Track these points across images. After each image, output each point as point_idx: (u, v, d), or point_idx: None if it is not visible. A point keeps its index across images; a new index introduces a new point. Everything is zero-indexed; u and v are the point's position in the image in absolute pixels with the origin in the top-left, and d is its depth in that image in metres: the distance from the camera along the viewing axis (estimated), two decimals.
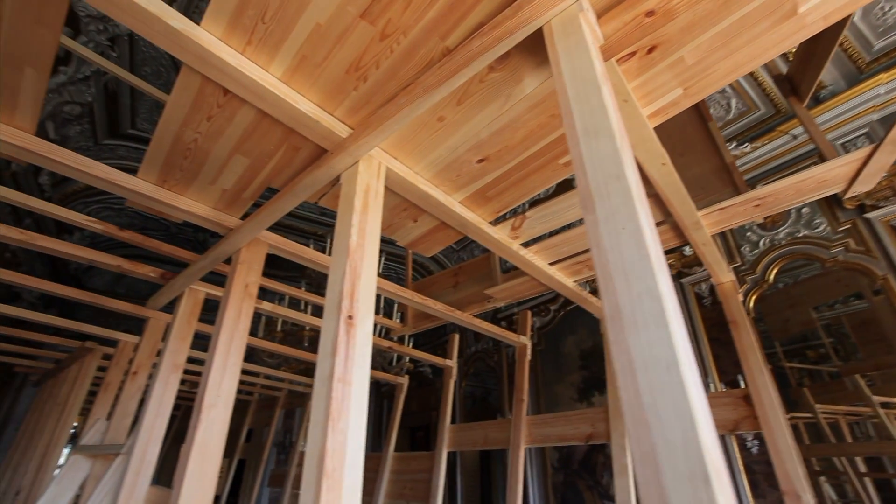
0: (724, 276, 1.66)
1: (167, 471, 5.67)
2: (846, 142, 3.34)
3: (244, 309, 1.28)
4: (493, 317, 5.52)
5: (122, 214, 5.06)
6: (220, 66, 0.83)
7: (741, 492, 3.21)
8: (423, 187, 1.16)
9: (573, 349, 4.67)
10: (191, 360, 2.86)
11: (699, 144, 1.67)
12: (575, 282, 1.74)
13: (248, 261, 1.34)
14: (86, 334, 2.54)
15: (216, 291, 1.71)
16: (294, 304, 4.38)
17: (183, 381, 4.10)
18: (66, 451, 2.68)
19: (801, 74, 1.44)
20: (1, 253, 4.03)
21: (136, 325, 2.52)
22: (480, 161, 1.14)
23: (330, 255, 1.59)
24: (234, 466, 4.28)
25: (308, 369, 3.41)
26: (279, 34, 0.82)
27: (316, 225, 4.98)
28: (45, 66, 0.91)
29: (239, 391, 4.63)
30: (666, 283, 0.46)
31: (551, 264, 1.62)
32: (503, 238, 1.39)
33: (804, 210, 3.44)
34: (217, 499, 4.42)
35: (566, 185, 4.33)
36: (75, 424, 2.79)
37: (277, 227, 4.62)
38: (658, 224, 1.43)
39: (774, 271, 3.48)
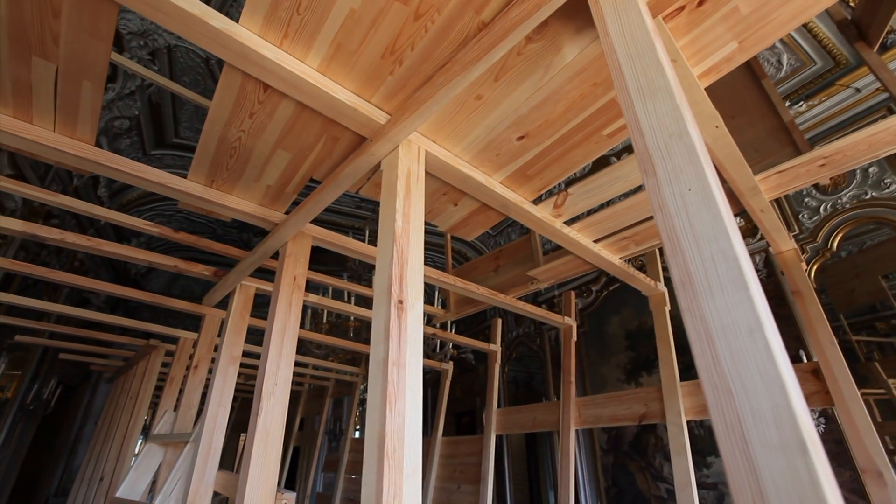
0: (784, 244, 1.56)
1: (227, 457, 6.02)
2: None
3: (294, 300, 1.32)
4: (533, 300, 5.46)
5: (172, 220, 5.33)
6: (259, 61, 0.84)
7: None
8: (463, 169, 1.14)
9: (618, 330, 4.56)
10: (244, 354, 3.00)
11: (753, 105, 1.56)
12: (621, 259, 1.68)
13: (295, 254, 1.38)
14: (149, 333, 2.71)
15: (265, 286, 1.77)
16: (338, 296, 4.50)
17: (238, 374, 4.32)
18: (139, 440, 2.89)
19: (869, 17, 1.31)
20: (70, 262, 4.35)
21: (192, 324, 2.66)
22: (520, 138, 1.11)
23: (370, 245, 1.61)
24: (289, 453, 4.49)
25: (354, 359, 3.51)
26: (314, 24, 0.82)
27: (352, 219, 5.07)
28: (100, 79, 0.96)
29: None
30: (740, 244, 0.43)
31: (596, 241, 1.57)
32: (546, 217, 1.36)
33: (871, 169, 3.17)
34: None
35: (602, 163, 4.19)
36: (145, 417, 3.00)
37: (316, 223, 4.74)
38: None
39: (838, 238, 3.24)
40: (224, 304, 1.89)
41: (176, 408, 2.17)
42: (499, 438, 5.96)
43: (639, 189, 1.34)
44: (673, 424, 1.62)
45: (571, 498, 1.83)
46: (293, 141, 1.13)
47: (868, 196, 3.14)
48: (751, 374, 0.38)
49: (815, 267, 3.31)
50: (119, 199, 4.64)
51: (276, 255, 1.53)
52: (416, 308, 0.84)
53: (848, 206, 3.22)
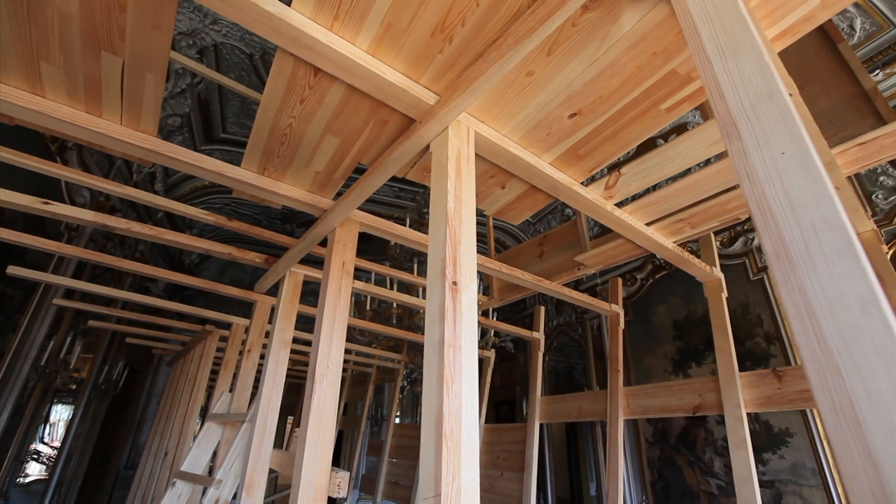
0: (862, 224, 1.43)
1: (275, 438, 6.30)
2: None
3: (343, 285, 1.34)
4: (574, 289, 5.35)
5: (220, 213, 5.59)
6: (311, 44, 0.85)
7: None
8: (512, 150, 1.12)
9: (665, 319, 4.39)
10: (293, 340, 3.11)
11: (826, 72, 1.44)
12: (675, 242, 1.60)
13: (343, 239, 1.40)
14: (205, 319, 2.86)
15: (313, 273, 1.82)
16: (379, 284, 4.57)
17: None
18: (198, 419, 3.07)
19: None
20: (132, 253, 4.64)
21: (241, 311, 2.78)
22: (572, 116, 1.07)
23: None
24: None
25: (396, 345, 3.56)
26: (365, 4, 0.82)
27: (391, 208, 5.13)
28: (161, 70, 1.00)
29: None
30: (844, 210, 0.39)
31: (648, 224, 1.50)
32: (596, 198, 1.31)
33: None
34: None
35: (647, 146, 4.01)
36: (202, 398, 3.17)
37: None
38: None
39: None
40: (274, 290, 1.96)
41: (231, 389, 2.29)
42: (541, 427, 5.92)
43: (695, 168, 1.26)
44: (731, 416, 1.54)
45: (621, 489, 1.79)
46: (342, 125, 1.13)
47: None
48: (864, 351, 0.35)
49: (890, 252, 3.04)
50: (173, 193, 4.90)
51: (324, 242, 1.56)
52: (470, 290, 0.83)
53: None
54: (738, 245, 3.88)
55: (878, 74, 3.22)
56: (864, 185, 3.23)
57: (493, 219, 4.97)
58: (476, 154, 1.15)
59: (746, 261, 3.81)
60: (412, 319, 2.87)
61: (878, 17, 3.19)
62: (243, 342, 2.38)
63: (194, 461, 1.90)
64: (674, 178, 1.33)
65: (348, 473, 1.15)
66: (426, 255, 3.19)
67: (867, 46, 3.32)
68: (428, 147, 1.06)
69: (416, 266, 2.92)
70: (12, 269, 1.98)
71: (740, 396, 1.55)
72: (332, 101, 1.05)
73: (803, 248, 0.40)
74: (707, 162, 1.69)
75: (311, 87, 1.00)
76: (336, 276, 1.35)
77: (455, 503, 0.66)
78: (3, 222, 1.99)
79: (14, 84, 1.01)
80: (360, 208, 1.39)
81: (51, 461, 3.80)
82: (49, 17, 0.85)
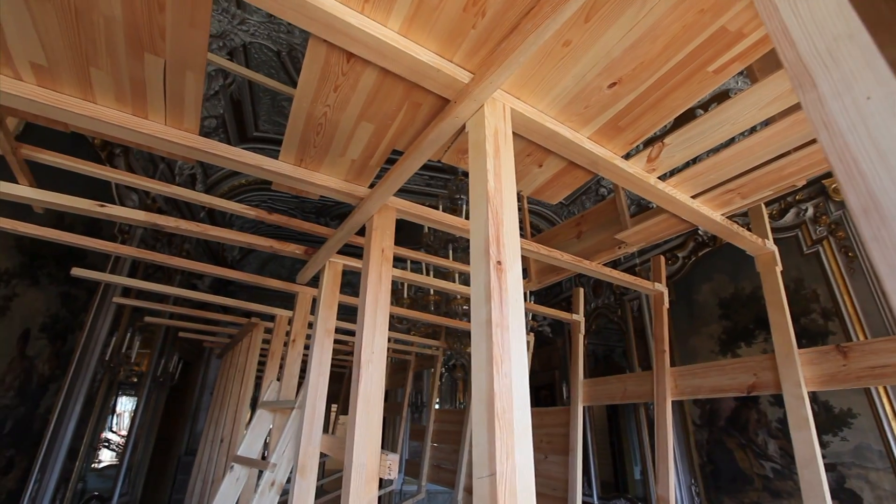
0: None
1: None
2: None
3: (383, 272, 1.36)
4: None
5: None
6: (343, 28, 0.84)
7: None
8: (549, 125, 1.08)
9: (710, 298, 4.22)
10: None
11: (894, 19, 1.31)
12: (723, 215, 1.52)
13: (382, 227, 1.41)
14: (250, 311, 2.97)
15: (352, 262, 1.85)
16: (415, 271, 4.62)
17: None
18: (249, 408, 3.21)
19: None
20: (179, 252, 4.88)
21: (283, 304, 2.86)
22: (612, 85, 1.02)
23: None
24: None
25: (434, 332, 3.59)
26: None
27: (422, 197, 5.14)
28: (200, 68, 1.02)
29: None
30: None
31: (694, 197, 1.43)
32: (638, 172, 1.26)
33: None
34: None
35: (686, 118, 3.82)
36: (252, 387, 3.32)
37: None
38: None
39: None
40: (315, 282, 2.01)
41: (279, 378, 2.38)
42: (583, 410, 5.85)
43: (738, 138, 1.19)
44: (791, 395, 1.47)
45: (671, 472, 1.74)
46: (376, 111, 1.13)
47: None
48: None
49: None
50: (213, 192, 5.09)
51: (362, 232, 1.58)
52: (514, 269, 0.82)
53: None
54: (789, 217, 3.66)
55: None
56: None
57: (529, 200, 4.90)
58: (513, 132, 1.13)
59: (799, 233, 3.59)
60: (449, 306, 2.88)
61: None
62: (287, 333, 2.46)
63: (249, 446, 1.99)
64: (718, 149, 1.26)
65: (398, 455, 1.17)
66: (460, 240, 3.19)
67: None
68: (464, 128, 1.04)
69: (450, 252, 2.92)
70: (76, 271, 2.12)
71: (800, 374, 1.46)
72: (366, 87, 1.05)
73: None
74: (753, 130, 1.59)
75: (344, 73, 1.00)
76: (376, 263, 1.36)
77: (510, 481, 0.66)
78: (65, 227, 2.12)
79: (67, 92, 1.06)
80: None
81: (119, 448, 4.09)
82: (95, 23, 0.88)
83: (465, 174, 3.97)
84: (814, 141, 1.23)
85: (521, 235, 1.95)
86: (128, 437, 4.20)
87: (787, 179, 1.34)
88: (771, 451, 3.59)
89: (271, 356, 2.77)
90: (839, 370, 1.41)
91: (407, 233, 4.11)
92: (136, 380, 4.13)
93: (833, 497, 3.15)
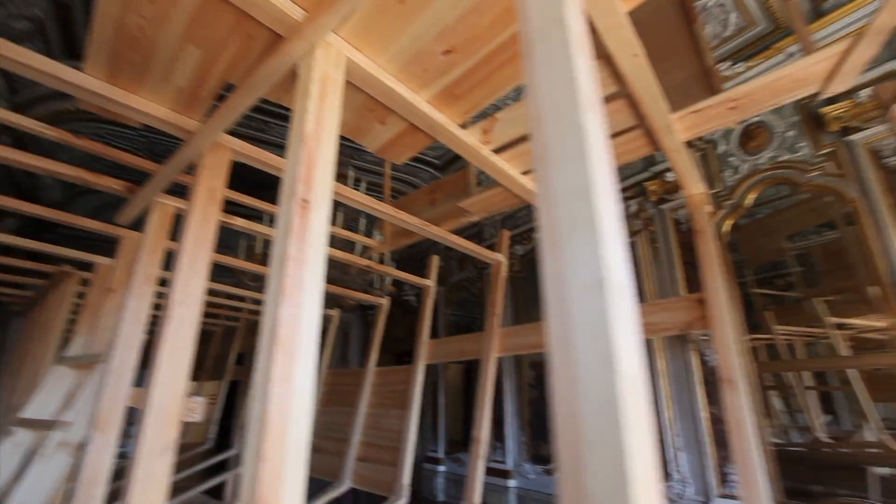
0: (694, 187, 1.67)
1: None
2: None
3: (210, 213, 1.27)
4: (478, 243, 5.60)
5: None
6: None
7: (695, 399, 3.49)
8: (387, 82, 1.11)
9: None
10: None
11: (683, 49, 1.61)
12: None
13: (212, 166, 1.31)
14: (63, 258, 2.52)
15: (186, 206, 1.68)
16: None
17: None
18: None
19: None
20: None
21: (110, 253, 2.50)
22: (447, 53, 1.09)
23: None
24: (226, 388, 4.49)
25: None
26: None
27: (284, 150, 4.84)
28: None
29: (227, 317, 4.73)
30: (594, 120, 0.46)
31: (524, 174, 1.61)
32: (474, 143, 1.37)
33: (788, 134, 3.41)
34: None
35: None
36: (58, 345, 2.84)
37: None
38: (630, 129, 1.41)
39: (751, 196, 3.52)
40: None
41: (90, 333, 2.08)
42: (434, 374, 6.23)
43: None
44: None
45: (486, 418, 1.99)
46: (203, 35, 1.04)
47: (783, 158, 3.40)
48: (577, 237, 0.42)
49: (730, 222, 3.60)
50: (27, 115, 4.12)
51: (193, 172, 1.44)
52: (322, 209, 0.84)
53: (765, 166, 3.48)
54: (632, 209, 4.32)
55: (741, 66, 3.68)
56: (717, 163, 3.74)
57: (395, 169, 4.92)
58: (352, 84, 1.13)
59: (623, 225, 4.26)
60: None
61: (747, 15, 3.60)
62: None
63: (40, 407, 1.73)
64: None
65: (204, 399, 1.14)
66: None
67: (738, 39, 3.74)
68: (296, 69, 1.01)
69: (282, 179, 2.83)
70: None
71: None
72: (189, 3, 0.95)
73: (558, 151, 0.46)
74: None
75: None
76: (202, 203, 1.26)
77: (285, 403, 0.69)
78: None
79: None
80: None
81: None
82: None
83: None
84: (619, 133, 1.47)
85: (380, 198, 1.98)
86: None
87: None
88: None
89: (85, 310, 2.40)
90: None
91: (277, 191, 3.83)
92: None
93: None
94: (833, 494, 2.87)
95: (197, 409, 1.09)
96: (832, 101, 3.17)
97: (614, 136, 1.44)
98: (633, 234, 4.17)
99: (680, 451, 3.54)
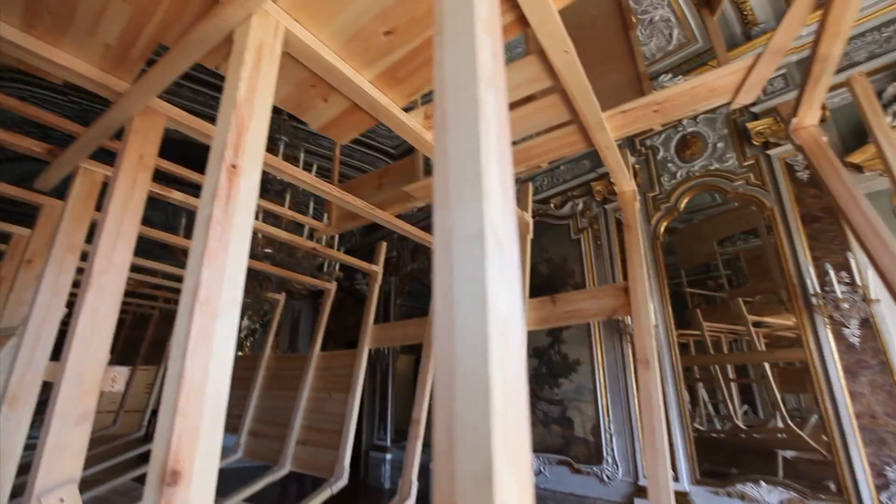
0: (626, 184, 1.79)
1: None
2: None
3: (139, 180, 1.23)
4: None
5: (62, 110, 4.43)
6: None
7: (628, 386, 3.72)
8: (328, 58, 1.12)
9: None
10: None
11: (619, 53, 1.71)
12: None
13: (144, 131, 1.26)
14: None
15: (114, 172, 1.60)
16: None
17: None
18: None
19: None
20: None
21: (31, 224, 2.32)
22: (387, 33, 1.11)
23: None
24: (162, 375, 4.29)
25: None
26: None
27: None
28: None
29: (165, 300, 4.51)
30: (492, 93, 0.50)
31: None
32: (415, 126, 1.40)
33: (719, 145, 3.69)
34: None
35: None
36: None
37: None
38: (565, 124, 1.49)
39: (685, 200, 3.78)
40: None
41: (4, 306, 1.94)
42: (385, 364, 6.24)
43: (517, 105, 1.42)
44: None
45: (426, 399, 2.05)
46: None
47: (713, 167, 3.68)
48: (465, 193, 0.46)
49: (665, 223, 3.85)
50: None
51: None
52: (251, 176, 0.84)
53: (698, 173, 3.75)
54: (566, 209, 4.50)
55: (680, 79, 3.93)
56: (658, 168, 3.98)
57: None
58: (293, 57, 1.13)
59: (570, 223, 4.46)
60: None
61: (689, 32, 3.83)
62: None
63: None
64: None
65: (127, 369, 1.11)
66: (273, 182, 3.04)
67: (680, 54, 3.98)
68: (232, 35, 1.00)
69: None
70: None
71: (524, 318, 1.87)
72: None
73: (455, 118, 0.50)
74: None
75: None
76: (131, 168, 1.22)
77: (203, 360, 0.70)
78: None
79: None
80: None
81: None
82: None
83: (289, 115, 3.75)
84: (552, 129, 1.55)
85: (329, 181, 1.97)
86: None
87: (533, 160, 1.66)
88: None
89: (0, 283, 2.23)
90: (550, 313, 1.85)
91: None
92: None
93: (555, 423, 4.10)
94: (746, 475, 3.18)
95: (118, 380, 1.06)
96: (756, 116, 3.47)
97: (552, 129, 1.52)
98: (578, 231, 4.37)
99: (613, 435, 3.77)
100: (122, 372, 1.08)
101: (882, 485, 2.61)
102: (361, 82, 1.21)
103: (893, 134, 1.12)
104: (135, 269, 3.16)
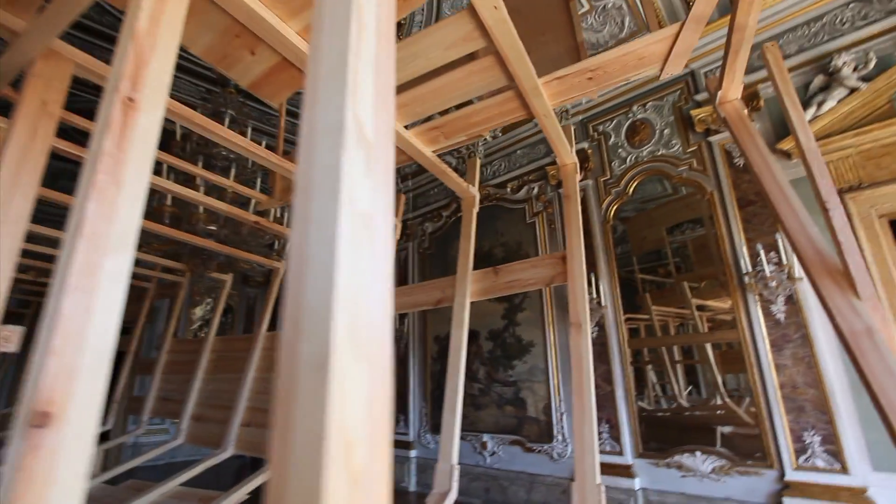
0: (567, 157, 1.83)
1: None
2: (707, 71, 3.69)
3: (41, 130, 1.13)
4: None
5: None
6: None
7: None
8: (248, 2, 1.07)
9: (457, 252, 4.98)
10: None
11: (559, 24, 1.73)
12: (434, 152, 1.79)
13: (47, 76, 1.16)
14: None
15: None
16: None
17: (27, 269, 3.65)
18: None
19: None
20: None
21: None
22: None
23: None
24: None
25: (177, 252, 3.21)
26: None
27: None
28: None
29: None
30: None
31: (407, 127, 1.64)
32: None
33: (665, 131, 3.83)
34: None
35: None
36: None
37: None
38: (503, 90, 1.50)
39: (634, 184, 3.91)
40: None
41: None
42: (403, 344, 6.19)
43: (445, 69, 1.40)
44: (458, 304, 1.88)
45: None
46: None
47: (660, 152, 3.82)
48: (324, 173, 0.45)
49: (615, 207, 3.97)
50: None
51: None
52: (153, 112, 0.79)
53: (646, 158, 3.88)
54: (522, 192, 4.56)
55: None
56: (609, 154, 4.09)
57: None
58: (213, 2, 1.07)
59: (525, 207, 4.52)
60: (190, 222, 2.61)
61: (640, 21, 3.93)
62: None
63: None
64: (420, 84, 1.47)
65: (22, 328, 1.03)
66: (218, 157, 2.91)
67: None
68: None
69: (200, 163, 2.63)
70: None
71: (468, 288, 1.88)
72: None
73: (323, 86, 0.49)
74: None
75: None
76: (31, 116, 1.12)
77: (86, 297, 0.66)
78: None
79: None
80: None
81: None
82: None
83: (237, 88, 3.60)
84: (490, 94, 1.55)
85: (275, 151, 1.89)
86: None
87: (474, 128, 1.66)
88: (480, 376, 4.53)
89: None
90: (492, 284, 1.87)
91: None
92: None
93: (509, 404, 4.19)
94: (684, 446, 3.36)
95: (12, 339, 0.98)
96: (699, 104, 3.63)
97: (490, 95, 1.52)
98: (533, 215, 4.44)
99: (564, 413, 3.89)
100: (16, 331, 1.00)
101: (800, 449, 2.83)
102: (289, 34, 1.16)
103: (796, 94, 1.19)
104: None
